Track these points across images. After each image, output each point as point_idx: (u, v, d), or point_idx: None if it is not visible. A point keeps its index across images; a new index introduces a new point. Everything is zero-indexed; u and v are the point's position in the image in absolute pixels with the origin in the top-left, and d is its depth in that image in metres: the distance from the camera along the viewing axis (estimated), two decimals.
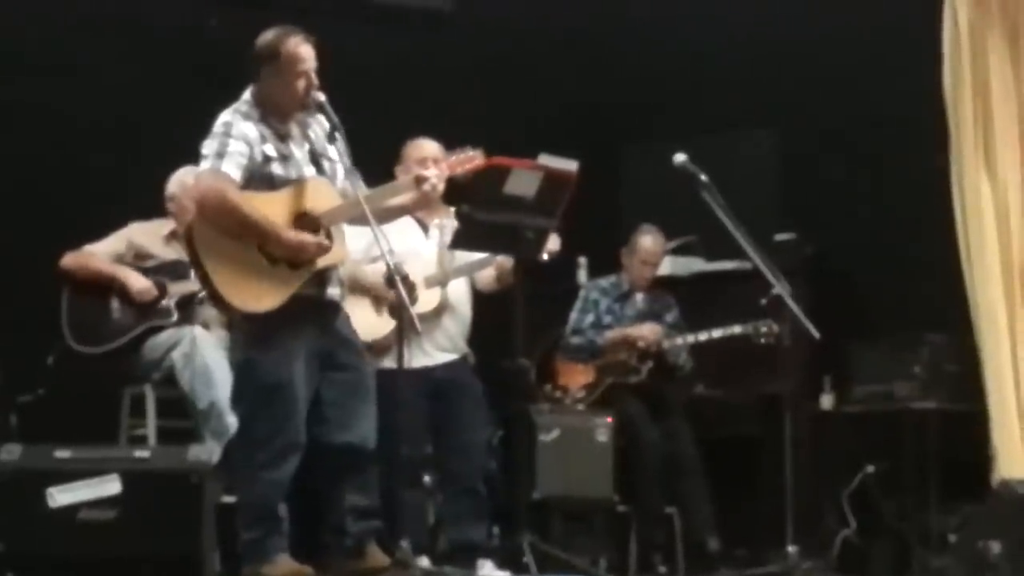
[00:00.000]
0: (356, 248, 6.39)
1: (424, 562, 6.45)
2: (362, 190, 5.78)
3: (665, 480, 7.90)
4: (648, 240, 8.18)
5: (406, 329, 6.08)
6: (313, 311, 5.73)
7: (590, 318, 8.23)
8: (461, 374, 6.85)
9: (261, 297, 5.60)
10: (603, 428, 7.75)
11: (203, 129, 5.68)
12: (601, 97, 9.28)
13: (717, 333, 7.85)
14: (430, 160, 6.39)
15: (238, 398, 5.92)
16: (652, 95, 9.25)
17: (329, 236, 5.71)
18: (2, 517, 5.82)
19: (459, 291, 6.89)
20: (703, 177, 6.75)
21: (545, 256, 6.53)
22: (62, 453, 5.94)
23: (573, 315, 8.27)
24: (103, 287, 6.95)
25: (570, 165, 6.31)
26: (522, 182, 6.21)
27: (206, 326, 6.94)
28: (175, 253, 6.99)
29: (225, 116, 5.69)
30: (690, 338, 7.98)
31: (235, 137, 5.62)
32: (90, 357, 6.90)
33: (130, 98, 8.07)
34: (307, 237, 5.65)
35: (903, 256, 8.29)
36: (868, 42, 8.52)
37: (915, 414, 7.85)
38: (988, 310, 7.54)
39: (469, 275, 6.91)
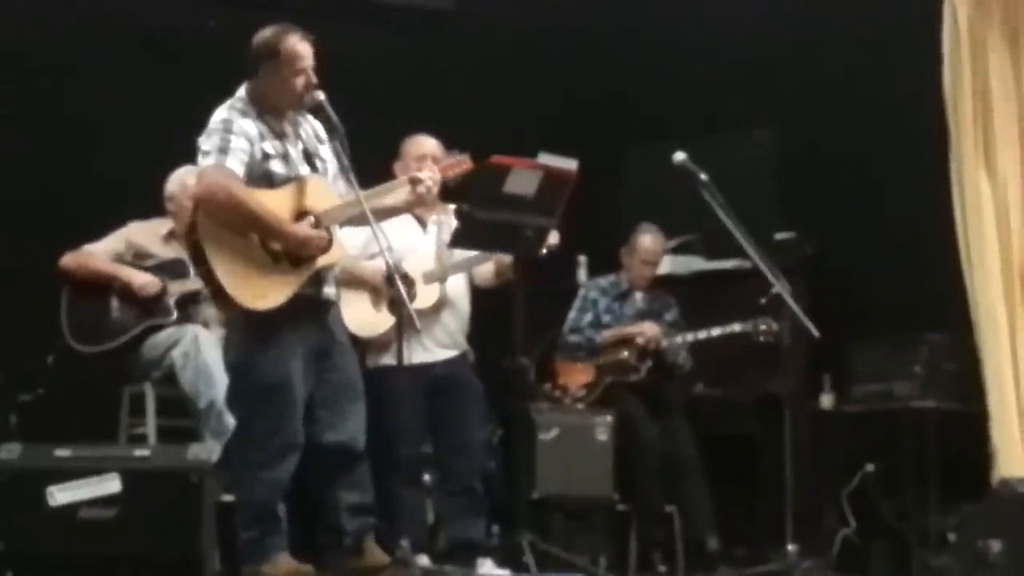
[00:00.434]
0: (354, 245, 6.40)
1: (424, 560, 6.45)
2: (351, 192, 5.79)
3: (665, 479, 7.90)
4: (648, 239, 8.18)
5: (405, 326, 6.08)
6: (311, 310, 5.74)
7: (589, 317, 8.23)
8: (461, 372, 6.85)
9: (265, 295, 5.60)
10: (603, 427, 7.75)
11: (202, 129, 5.68)
12: (601, 96, 9.29)
13: (716, 332, 7.86)
14: (427, 159, 6.40)
15: (234, 398, 5.92)
16: (652, 94, 9.25)
17: (328, 234, 5.72)
18: (2, 516, 5.81)
19: (458, 287, 6.89)
20: (703, 176, 6.75)
21: (543, 250, 6.54)
22: (62, 452, 5.94)
23: (572, 314, 8.28)
24: (103, 286, 6.95)
25: (570, 164, 6.32)
26: (522, 181, 6.21)
27: (206, 325, 6.94)
28: (174, 252, 7.00)
29: (222, 113, 5.68)
30: (689, 337, 7.99)
31: (236, 133, 5.61)
32: (90, 356, 6.90)
33: (130, 98, 8.08)
34: (311, 231, 5.65)
35: (903, 255, 8.29)
36: (868, 42, 8.53)
37: (915, 413, 7.85)
38: (988, 309, 7.54)
39: (467, 271, 6.91)
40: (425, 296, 6.69)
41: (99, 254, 7.03)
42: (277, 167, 5.69)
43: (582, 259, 8.89)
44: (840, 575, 7.55)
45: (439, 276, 6.77)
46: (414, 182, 5.89)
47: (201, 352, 6.77)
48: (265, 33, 5.76)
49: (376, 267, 6.47)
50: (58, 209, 7.76)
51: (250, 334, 5.70)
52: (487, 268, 6.86)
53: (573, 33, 9.25)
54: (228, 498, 6.02)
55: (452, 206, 6.68)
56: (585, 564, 7.03)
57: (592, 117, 9.13)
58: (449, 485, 6.84)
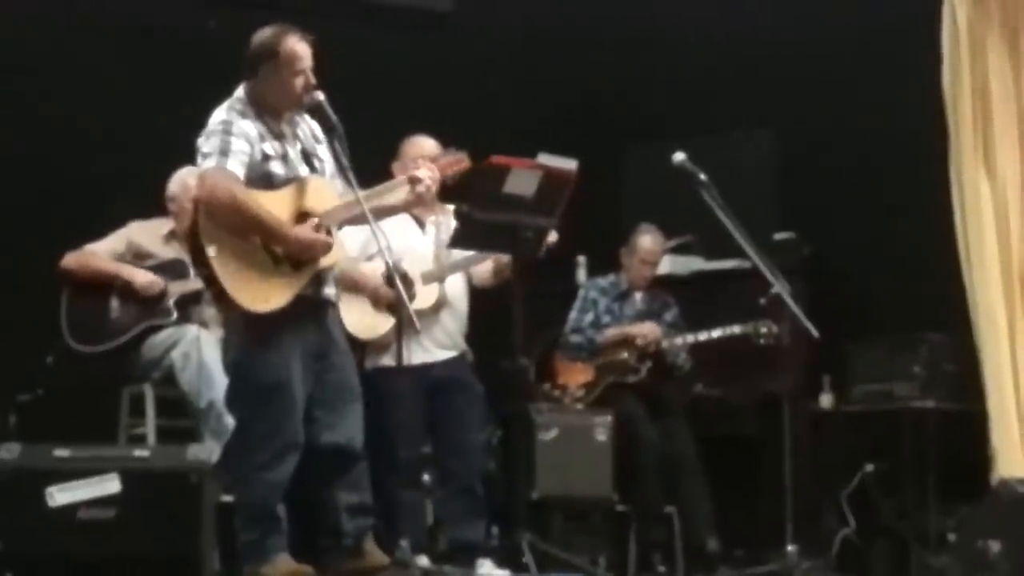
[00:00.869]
0: (352, 246, 6.41)
1: (423, 561, 6.45)
2: (349, 192, 5.79)
3: (664, 479, 7.90)
4: (647, 239, 8.18)
5: (405, 327, 6.08)
6: (310, 311, 5.74)
7: (589, 317, 8.23)
8: (460, 372, 6.85)
9: (267, 297, 5.60)
10: (602, 427, 7.75)
11: (203, 129, 5.67)
12: (601, 97, 9.29)
13: (716, 333, 7.85)
14: (423, 159, 6.39)
15: (234, 398, 5.92)
16: (652, 95, 9.26)
17: (329, 235, 5.72)
18: (1, 516, 5.79)
19: (456, 287, 6.89)
20: (702, 176, 6.75)
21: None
22: (61, 452, 5.92)
23: (572, 314, 8.27)
24: (103, 286, 6.95)
25: (569, 164, 6.31)
26: (522, 181, 6.21)
27: (205, 325, 6.94)
28: (174, 252, 7.00)
29: (221, 114, 5.67)
30: (689, 338, 7.98)
31: (236, 135, 5.61)
32: (89, 356, 6.90)
33: (130, 99, 8.07)
34: (313, 234, 5.65)
35: (902, 255, 8.30)
36: (867, 42, 8.53)
37: (914, 413, 7.86)
38: (987, 309, 7.55)
39: (466, 270, 6.91)
40: (424, 296, 6.69)
41: (100, 253, 7.03)
42: (277, 168, 5.69)
43: (581, 259, 8.90)
44: (839, 575, 7.56)
45: (438, 276, 6.77)
46: (413, 181, 5.89)
47: (201, 352, 6.76)
48: (264, 34, 5.75)
49: (375, 272, 6.47)
50: (57, 209, 7.76)
51: (250, 335, 5.70)
52: (485, 267, 6.85)
53: (573, 33, 9.25)
54: (228, 499, 6.01)
55: (451, 206, 6.68)
56: (584, 565, 7.02)
57: (592, 117, 9.13)
58: (449, 486, 6.83)
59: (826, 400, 8.28)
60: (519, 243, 6.31)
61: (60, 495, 5.83)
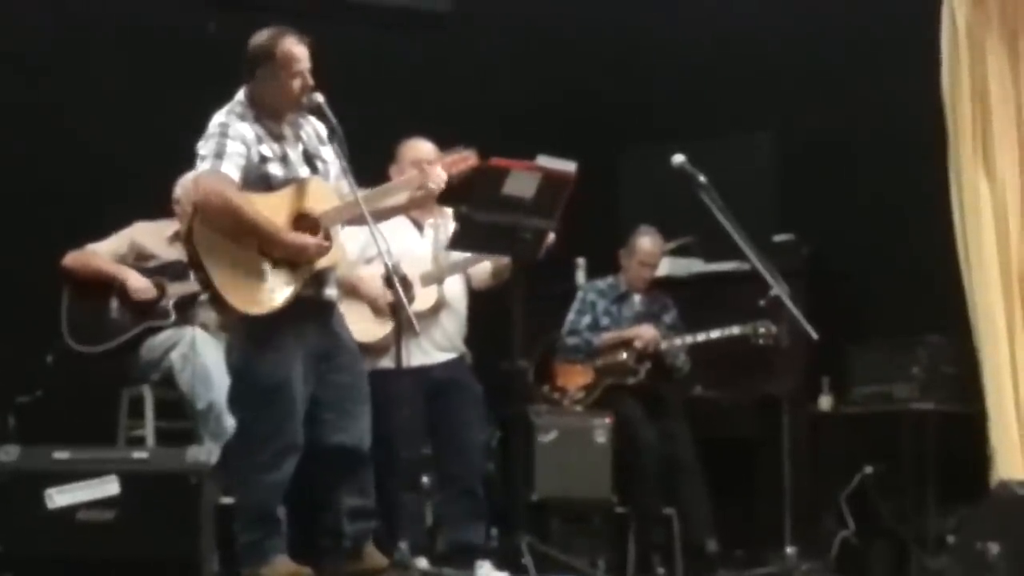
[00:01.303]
0: (351, 249, 6.40)
1: (422, 563, 6.45)
2: (354, 192, 5.79)
3: (663, 481, 7.89)
4: (647, 241, 8.18)
5: (404, 330, 6.08)
6: (311, 312, 5.74)
7: (587, 319, 8.22)
8: (459, 374, 6.85)
9: (262, 299, 5.60)
10: (601, 429, 7.74)
11: (203, 130, 5.68)
12: (600, 98, 9.29)
13: (715, 334, 7.85)
14: (423, 163, 6.37)
15: (235, 400, 5.92)
16: (651, 96, 9.25)
17: (328, 237, 5.71)
18: (1, 518, 5.81)
19: (455, 289, 6.89)
20: (701, 178, 6.75)
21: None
22: (60, 454, 5.93)
23: (570, 316, 8.27)
24: (104, 286, 6.95)
25: (568, 166, 6.32)
26: (521, 183, 6.22)
27: (205, 327, 6.94)
28: (177, 253, 6.98)
29: (220, 117, 5.68)
30: (688, 339, 7.98)
31: (232, 138, 5.61)
32: (88, 356, 6.90)
33: (130, 100, 8.07)
34: (308, 239, 5.65)
35: (901, 257, 8.29)
36: (866, 44, 8.52)
37: (913, 415, 7.85)
38: (986, 311, 7.55)
39: (464, 271, 6.90)
40: (423, 298, 6.69)
41: (102, 254, 7.03)
42: (275, 169, 5.69)
43: (580, 261, 8.89)
44: None
45: (436, 277, 6.77)
46: (421, 185, 5.87)
47: (200, 354, 6.77)
48: (261, 36, 5.76)
49: (374, 275, 6.46)
50: (57, 210, 7.76)
51: (251, 336, 5.69)
52: (484, 268, 6.85)
53: (572, 35, 9.25)
54: (227, 500, 6.01)
55: (449, 209, 6.68)
56: (584, 566, 7.02)
57: (591, 119, 9.12)
58: (448, 488, 6.83)
59: (825, 402, 8.27)
60: (518, 245, 6.32)
61: (59, 497, 5.83)
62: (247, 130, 5.65)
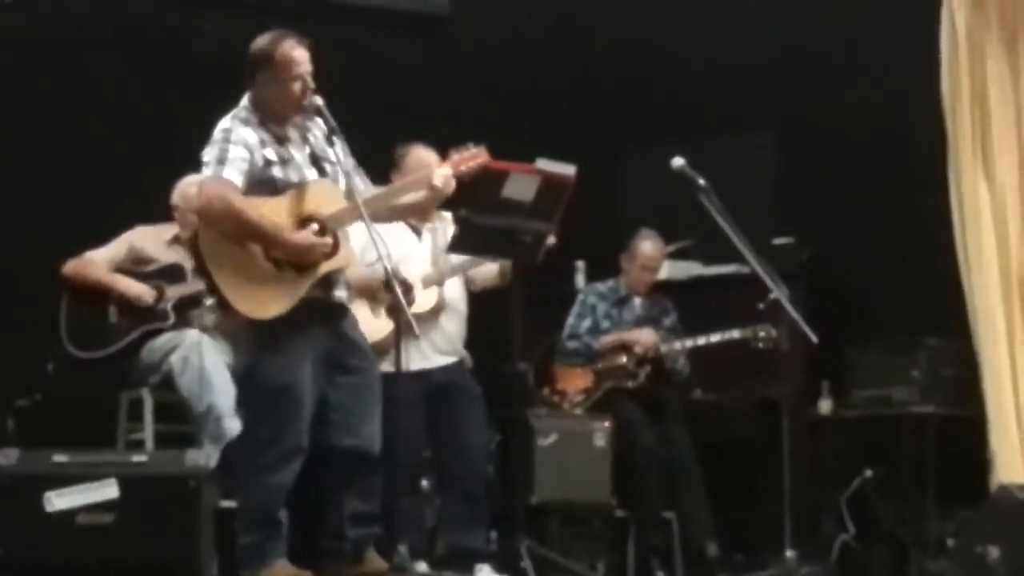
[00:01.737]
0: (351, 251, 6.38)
1: (422, 567, 6.46)
2: (368, 189, 5.78)
3: (663, 485, 7.88)
4: (649, 245, 8.16)
5: (403, 332, 6.07)
6: (320, 314, 5.73)
7: (587, 323, 8.22)
8: (459, 377, 6.85)
9: (269, 303, 5.60)
10: (601, 433, 7.73)
11: (205, 134, 5.68)
12: (599, 101, 9.29)
13: (715, 338, 7.85)
14: (433, 161, 6.36)
15: (242, 402, 5.93)
16: (650, 99, 9.25)
17: (335, 239, 5.71)
18: (0, 521, 5.80)
19: (454, 292, 6.89)
20: (701, 181, 6.75)
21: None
22: (60, 457, 5.93)
23: (570, 320, 8.26)
24: (101, 294, 6.94)
25: (568, 169, 6.32)
26: (520, 186, 6.21)
27: (205, 330, 6.93)
28: (176, 256, 6.99)
29: (224, 123, 5.69)
30: (688, 342, 7.98)
31: (235, 143, 5.62)
32: (88, 362, 6.89)
33: (130, 103, 8.06)
34: (312, 238, 5.65)
35: (901, 260, 8.29)
36: (866, 46, 8.52)
37: (913, 418, 7.85)
38: (986, 314, 7.55)
39: (464, 273, 6.90)
40: (423, 300, 6.68)
41: (99, 261, 7.01)
42: (279, 173, 5.69)
43: (580, 264, 8.89)
44: None
45: (436, 280, 6.77)
46: (429, 185, 5.85)
47: (199, 357, 6.75)
48: (260, 41, 5.76)
49: (373, 277, 6.46)
50: (57, 213, 7.75)
51: (257, 340, 5.70)
52: (490, 269, 6.86)
53: (570, 36, 9.25)
54: (226, 504, 6.01)
55: (447, 213, 6.68)
56: (583, 570, 7.03)
57: (590, 122, 9.13)
58: (448, 491, 6.84)
59: (825, 405, 8.27)
60: (518, 248, 6.31)
61: (58, 500, 5.83)
62: (250, 135, 5.65)
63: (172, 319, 6.93)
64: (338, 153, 5.76)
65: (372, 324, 6.60)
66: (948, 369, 7.93)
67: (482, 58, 9.09)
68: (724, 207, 6.70)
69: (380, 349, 6.57)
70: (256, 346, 5.71)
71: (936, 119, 7.70)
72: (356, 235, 6.02)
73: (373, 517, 5.98)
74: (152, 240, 7.12)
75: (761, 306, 7.05)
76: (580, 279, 8.88)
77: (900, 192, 8.27)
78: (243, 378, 5.89)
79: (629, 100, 9.31)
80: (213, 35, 8.15)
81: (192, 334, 6.85)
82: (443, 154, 6.09)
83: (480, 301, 7.03)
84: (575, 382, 8.12)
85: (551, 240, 6.50)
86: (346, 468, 5.80)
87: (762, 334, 7.57)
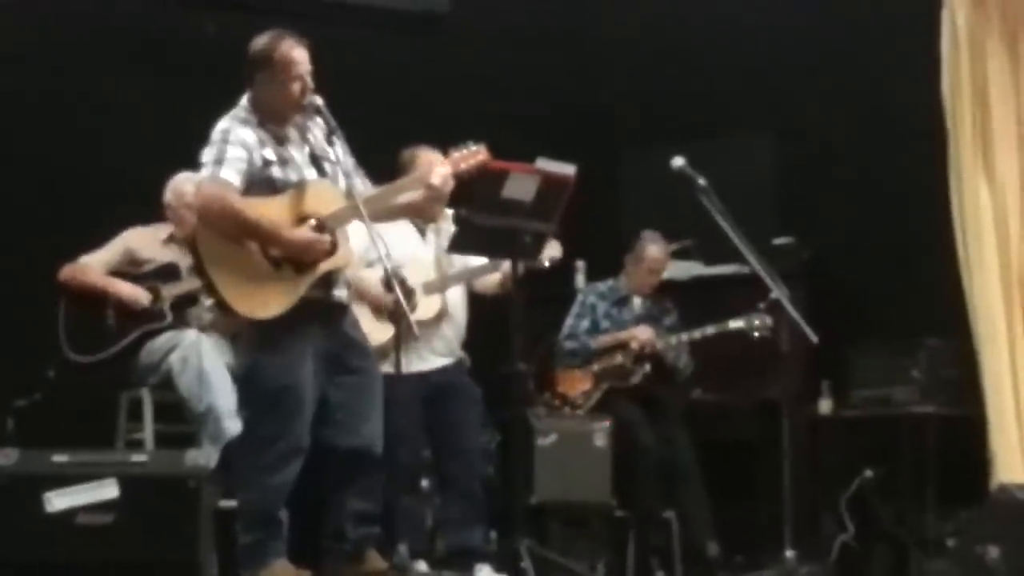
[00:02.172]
0: (353, 252, 6.37)
1: (422, 567, 6.46)
2: (367, 189, 5.77)
3: (663, 485, 7.89)
4: (655, 249, 8.16)
5: (404, 333, 6.07)
6: (320, 313, 5.73)
7: (586, 323, 8.22)
8: (458, 377, 6.86)
9: (268, 303, 5.60)
10: (601, 433, 7.74)
11: (204, 135, 5.68)
12: (599, 101, 9.29)
13: (711, 329, 7.84)
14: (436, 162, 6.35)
15: (243, 402, 5.93)
16: (650, 99, 9.25)
17: (334, 239, 5.70)
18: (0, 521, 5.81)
19: (455, 297, 6.89)
20: (701, 181, 6.75)
21: (547, 263, 6.55)
22: (59, 457, 5.93)
23: (569, 320, 8.26)
24: (98, 299, 6.93)
25: (568, 169, 6.31)
26: (520, 186, 6.21)
27: (203, 330, 6.93)
28: (171, 255, 6.99)
29: (223, 123, 5.69)
30: (685, 336, 7.98)
31: (233, 143, 5.61)
32: (88, 366, 6.89)
33: (130, 104, 8.07)
34: (310, 235, 5.64)
35: (901, 260, 8.29)
36: (866, 46, 8.52)
37: (913, 419, 7.85)
38: (986, 314, 7.55)
39: (467, 281, 6.91)
40: (426, 307, 6.69)
41: (95, 265, 7.00)
42: (278, 173, 5.69)
43: (580, 264, 8.88)
44: None
45: (439, 287, 6.77)
46: (431, 187, 5.85)
47: (199, 357, 6.75)
48: (259, 41, 5.76)
49: (375, 277, 6.46)
50: (57, 213, 7.76)
51: (258, 339, 5.70)
52: (491, 280, 6.87)
53: (570, 37, 9.24)
54: (226, 504, 6.00)
55: (450, 211, 6.67)
56: (583, 570, 7.03)
57: (590, 121, 9.13)
58: (448, 491, 6.84)
59: (825, 405, 8.27)
60: (518, 247, 6.31)
61: (58, 500, 5.83)
62: (249, 135, 5.65)
63: (169, 318, 6.93)
64: (338, 153, 5.76)
65: (373, 327, 6.60)
66: (948, 369, 7.93)
67: (482, 57, 9.09)
68: (724, 207, 6.70)
69: (380, 351, 6.57)
70: (256, 346, 5.71)
71: (936, 118, 7.69)
72: (358, 235, 6.02)
73: (374, 516, 5.98)
74: (147, 240, 7.11)
75: (761, 306, 7.07)
76: (580, 279, 8.87)
77: (900, 192, 8.27)
78: (243, 378, 5.89)
79: (629, 100, 9.31)
80: (215, 36, 8.15)
81: (191, 334, 6.85)
82: (444, 154, 6.09)
83: (480, 301, 7.04)
84: (575, 384, 8.11)
85: (557, 253, 6.52)
86: (347, 468, 5.79)
87: (758, 323, 7.54)
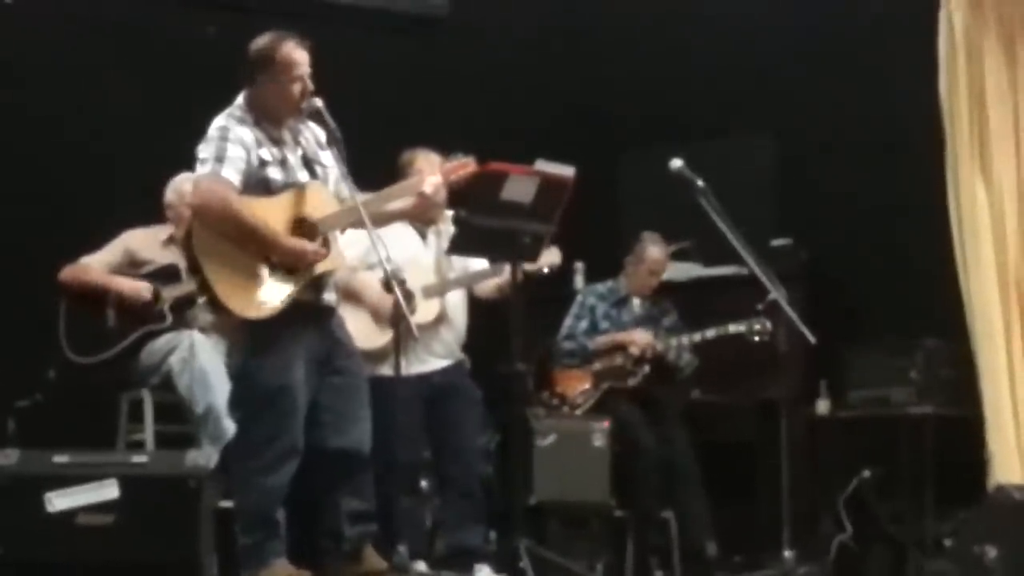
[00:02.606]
0: (353, 255, 6.40)
1: (421, 567, 6.47)
2: (359, 195, 5.79)
3: (662, 485, 7.89)
4: (656, 251, 8.17)
5: (403, 335, 6.08)
6: (311, 316, 5.74)
7: (584, 324, 8.23)
8: (457, 378, 6.87)
9: (260, 303, 5.60)
10: (600, 433, 7.74)
11: (203, 134, 5.68)
12: (598, 102, 9.29)
13: (711, 333, 7.86)
14: (427, 170, 6.37)
15: (237, 404, 5.93)
16: (649, 100, 9.25)
17: (326, 242, 5.72)
18: (0, 522, 5.81)
19: (455, 301, 6.90)
20: (700, 182, 6.75)
21: (546, 270, 6.57)
22: (60, 458, 5.94)
23: (568, 320, 8.27)
24: (99, 298, 6.95)
25: (567, 170, 6.32)
26: (519, 187, 6.22)
27: (203, 331, 6.94)
28: (172, 256, 7.00)
29: (220, 121, 5.68)
30: (685, 339, 7.99)
31: (232, 141, 5.61)
32: (88, 367, 6.89)
33: (130, 104, 8.07)
34: (306, 244, 5.66)
35: (899, 261, 8.30)
36: (864, 48, 8.53)
37: (911, 419, 7.85)
38: (983, 314, 7.56)
39: (467, 286, 6.93)
40: (425, 311, 6.70)
41: (95, 265, 7.02)
42: (274, 174, 5.69)
43: (579, 265, 8.89)
44: None
45: (439, 290, 6.79)
46: (423, 195, 5.87)
47: (198, 358, 6.76)
48: (260, 41, 5.76)
49: (375, 282, 6.47)
50: (57, 213, 7.76)
51: (252, 341, 5.70)
52: (490, 283, 6.89)
53: (569, 38, 9.25)
54: (226, 504, 6.01)
55: (449, 213, 6.69)
56: (582, 570, 7.04)
57: (589, 123, 9.13)
58: (448, 491, 6.85)
59: (823, 405, 8.27)
60: (517, 249, 6.32)
61: (59, 500, 5.83)
62: (247, 134, 5.65)
63: (170, 320, 6.94)
64: (335, 156, 5.76)
65: (373, 330, 6.62)
66: (946, 370, 7.93)
67: (482, 59, 9.09)
68: (723, 208, 6.70)
69: (379, 353, 6.59)
70: (250, 347, 5.71)
71: (935, 120, 7.70)
72: (359, 237, 6.03)
73: (370, 515, 5.99)
74: (147, 242, 7.12)
75: (759, 307, 7.07)
76: (579, 280, 8.88)
77: (898, 193, 8.27)
78: (237, 379, 5.89)
79: (629, 100, 9.31)
80: (215, 37, 8.15)
81: (191, 335, 6.86)
82: (443, 156, 6.10)
83: (480, 302, 7.04)
84: (574, 384, 8.12)
85: (557, 260, 6.55)
86: (337, 468, 5.80)
87: (758, 327, 7.56)
